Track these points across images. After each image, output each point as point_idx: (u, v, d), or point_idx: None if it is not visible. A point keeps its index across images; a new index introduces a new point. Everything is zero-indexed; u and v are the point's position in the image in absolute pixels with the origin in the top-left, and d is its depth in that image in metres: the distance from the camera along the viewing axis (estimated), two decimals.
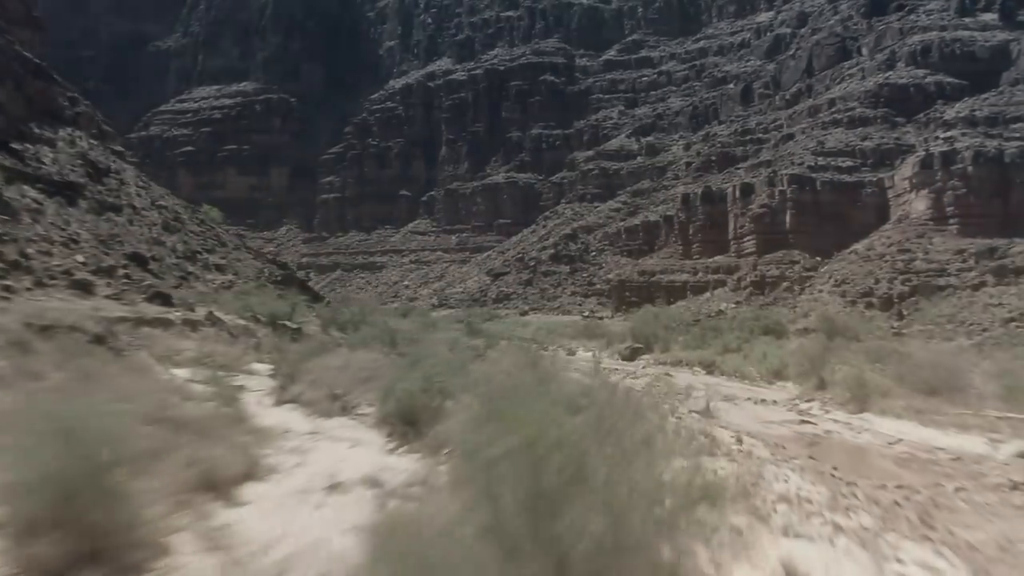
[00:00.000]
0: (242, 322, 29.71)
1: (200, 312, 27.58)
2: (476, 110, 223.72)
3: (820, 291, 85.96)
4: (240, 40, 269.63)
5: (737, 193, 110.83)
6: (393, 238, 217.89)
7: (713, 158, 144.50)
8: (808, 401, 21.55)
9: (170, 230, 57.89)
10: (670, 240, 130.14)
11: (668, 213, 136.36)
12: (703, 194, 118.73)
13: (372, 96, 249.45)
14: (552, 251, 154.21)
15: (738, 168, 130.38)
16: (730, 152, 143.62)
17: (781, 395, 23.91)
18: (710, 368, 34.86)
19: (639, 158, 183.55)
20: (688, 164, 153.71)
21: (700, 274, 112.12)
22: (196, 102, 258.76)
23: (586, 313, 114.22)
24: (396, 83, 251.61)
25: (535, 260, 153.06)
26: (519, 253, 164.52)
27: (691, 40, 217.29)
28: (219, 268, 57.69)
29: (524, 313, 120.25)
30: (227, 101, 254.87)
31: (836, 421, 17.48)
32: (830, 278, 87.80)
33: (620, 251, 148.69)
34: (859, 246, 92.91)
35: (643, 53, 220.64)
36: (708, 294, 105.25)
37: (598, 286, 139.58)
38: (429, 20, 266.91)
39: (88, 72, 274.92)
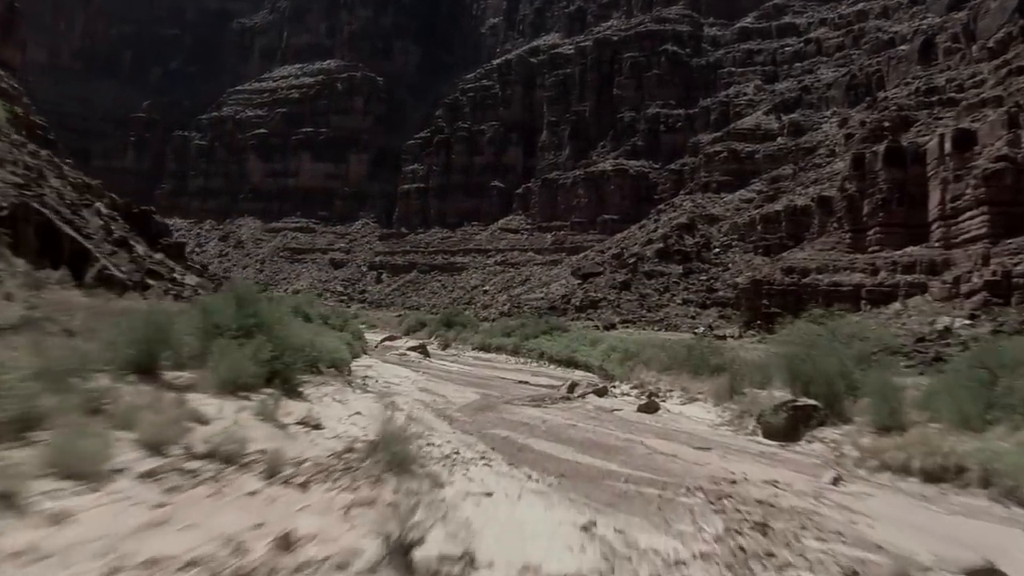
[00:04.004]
0: None
1: None
2: (583, 88, 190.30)
3: None
4: (328, 14, 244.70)
5: (947, 146, 69.78)
6: (479, 236, 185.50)
7: (886, 123, 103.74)
8: None
9: None
10: (829, 227, 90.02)
11: (824, 194, 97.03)
12: (887, 152, 77.90)
13: (467, 75, 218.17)
14: (660, 245, 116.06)
15: (939, 119, 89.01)
16: (911, 116, 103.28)
17: None
18: None
19: (779, 139, 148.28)
20: (848, 136, 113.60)
21: (883, 273, 71.81)
22: (275, 81, 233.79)
23: (699, 328, 76.26)
24: (495, 61, 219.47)
25: (636, 257, 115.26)
26: (619, 251, 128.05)
27: (846, 3, 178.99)
28: None
29: (610, 326, 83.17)
30: (307, 80, 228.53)
31: None
32: None
33: (754, 247, 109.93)
34: None
35: (786, 19, 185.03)
36: (897, 304, 65.74)
37: (721, 292, 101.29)
38: None
39: (173, 52, 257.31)
